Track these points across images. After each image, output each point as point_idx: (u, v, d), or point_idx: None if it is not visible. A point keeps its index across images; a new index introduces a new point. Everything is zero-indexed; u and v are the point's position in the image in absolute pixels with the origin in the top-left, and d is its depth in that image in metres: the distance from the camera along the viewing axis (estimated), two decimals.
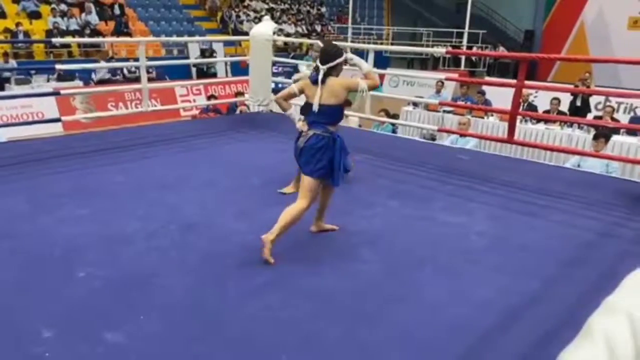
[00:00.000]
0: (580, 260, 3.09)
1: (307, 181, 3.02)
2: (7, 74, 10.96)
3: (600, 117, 8.78)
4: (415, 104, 9.53)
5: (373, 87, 3.20)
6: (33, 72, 11.36)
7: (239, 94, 9.05)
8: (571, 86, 9.07)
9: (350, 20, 19.33)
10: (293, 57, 14.75)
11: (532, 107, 9.19)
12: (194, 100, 11.61)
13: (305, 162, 3.01)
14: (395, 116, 8.22)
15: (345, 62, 3.14)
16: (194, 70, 14.07)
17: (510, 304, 2.56)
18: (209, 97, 10.17)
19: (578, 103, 9.32)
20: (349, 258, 3.03)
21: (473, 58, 18.03)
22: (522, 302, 2.58)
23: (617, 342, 0.50)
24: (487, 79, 13.94)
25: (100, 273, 2.71)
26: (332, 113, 3.07)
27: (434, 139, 7.61)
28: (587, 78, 10.04)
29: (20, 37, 12.03)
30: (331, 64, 3.02)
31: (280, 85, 10.18)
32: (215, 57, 14.00)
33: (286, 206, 3.05)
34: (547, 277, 2.84)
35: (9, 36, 12.02)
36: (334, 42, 3.39)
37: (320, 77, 3.02)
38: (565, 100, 9.45)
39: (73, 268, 2.73)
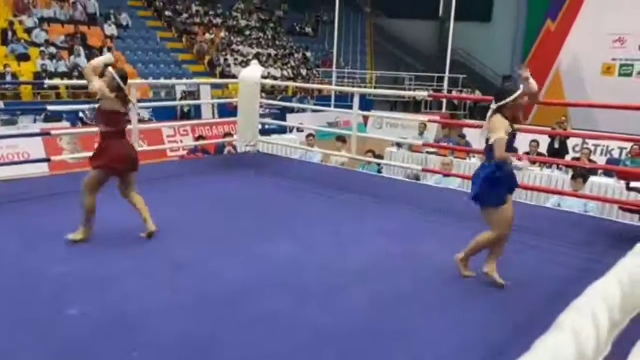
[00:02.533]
0: (559, 295, 3.17)
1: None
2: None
3: (578, 159, 9.06)
4: (399, 145, 9.75)
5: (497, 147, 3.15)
6: (19, 113, 11.40)
7: (228, 134, 9.19)
8: (549, 129, 9.39)
9: (335, 65, 19.86)
10: (280, 100, 15.07)
11: (513, 149, 9.45)
12: (181, 141, 11.70)
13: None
14: (380, 157, 8.40)
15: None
16: (178, 111, 14.26)
17: (499, 340, 2.61)
18: (198, 138, 10.28)
19: (556, 145, 9.62)
20: (338, 295, 3.07)
21: (455, 101, 18.56)
22: (506, 336, 2.64)
23: (582, 331, 0.58)
24: (468, 121, 14.35)
25: (92, 311, 2.70)
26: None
27: (418, 179, 7.76)
28: (564, 121, 10.42)
29: (8, 78, 12.12)
30: (499, 104, 3.17)
31: (267, 127, 10.38)
32: (195, 99, 14.31)
33: (276, 245, 3.11)
34: (532, 311, 2.91)
35: None
36: (507, 87, 3.43)
37: (488, 114, 3.21)
38: (544, 142, 9.76)
39: (63, 306, 2.73)
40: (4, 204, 4.41)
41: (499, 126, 3.17)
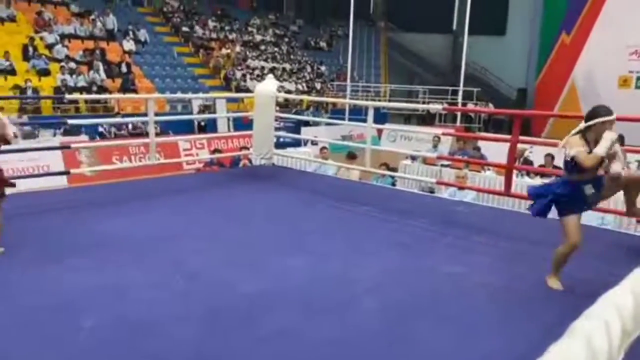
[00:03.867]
0: (577, 307, 3.13)
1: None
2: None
3: None
4: (413, 158, 9.74)
5: (580, 161, 3.23)
6: (38, 126, 11.65)
7: (244, 148, 9.28)
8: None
9: (349, 78, 19.98)
10: (295, 113, 15.19)
11: (528, 162, 9.40)
12: (197, 154, 11.83)
13: None
14: (394, 169, 8.40)
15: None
16: (195, 125, 14.43)
17: (513, 352, 2.59)
18: (213, 151, 10.39)
19: (568, 158, 9.53)
20: (352, 308, 3.07)
21: (471, 115, 18.53)
22: (525, 351, 2.61)
23: (594, 338, 0.60)
24: (483, 134, 14.29)
25: (106, 323, 2.74)
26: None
27: (432, 192, 7.74)
28: None
29: (29, 93, 12.41)
30: (586, 124, 3.24)
31: (282, 140, 10.46)
32: (211, 112, 14.50)
33: (289, 257, 3.12)
34: (551, 325, 2.88)
35: (17, 92, 12.40)
36: (597, 108, 3.38)
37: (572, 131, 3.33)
38: (560, 156, 9.67)
39: (79, 317, 2.77)
40: (25, 214, 4.50)
41: (573, 143, 3.26)
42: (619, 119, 4.98)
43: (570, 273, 3.68)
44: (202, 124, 14.35)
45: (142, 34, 17.38)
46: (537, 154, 9.98)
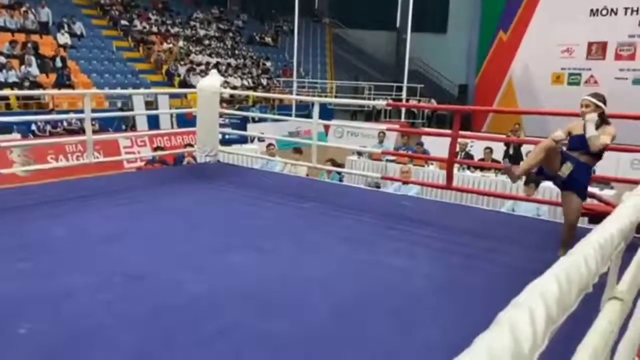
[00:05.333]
0: (514, 296, 3.26)
1: None
2: None
3: None
4: (359, 154, 9.86)
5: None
6: None
7: (189, 145, 9.08)
8: (503, 136, 9.72)
9: (295, 74, 19.95)
10: (239, 109, 15.01)
11: (469, 156, 9.73)
12: (139, 152, 11.47)
13: None
14: (341, 165, 8.47)
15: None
16: (138, 122, 13.97)
17: (459, 344, 2.67)
18: (156, 149, 10.10)
19: (511, 152, 9.96)
20: (300, 304, 3.06)
21: (415, 110, 18.95)
22: (470, 340, 2.69)
23: (519, 326, 0.61)
24: (425, 129, 14.66)
25: (43, 329, 2.60)
26: None
27: (378, 187, 7.87)
28: (518, 129, 10.81)
29: None
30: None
31: (227, 137, 10.31)
32: (153, 109, 14.08)
33: (235, 256, 3.07)
34: (490, 316, 2.98)
35: None
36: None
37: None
38: (499, 150, 10.08)
39: (13, 324, 2.61)
40: None
41: (609, 130, 3.67)
42: (554, 114, 5.19)
43: (509, 263, 3.84)
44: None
45: (78, 27, 16.63)
46: (477, 148, 10.36)
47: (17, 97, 12.65)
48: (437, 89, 22.33)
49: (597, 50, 18.75)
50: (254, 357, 2.49)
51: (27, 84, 12.98)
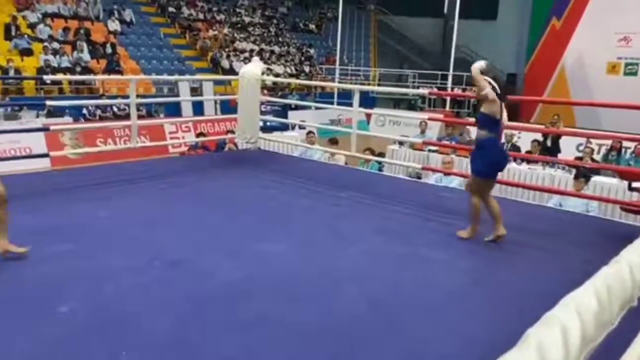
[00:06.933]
0: (559, 295, 3.12)
1: None
2: None
3: (581, 158, 8.99)
4: (401, 143, 9.70)
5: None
6: (17, 108, 11.40)
7: (230, 131, 9.18)
8: (547, 128, 9.36)
9: (338, 62, 19.79)
10: (281, 97, 15.04)
11: (516, 148, 9.40)
12: (183, 137, 11.70)
13: None
14: (382, 155, 8.35)
15: None
16: (184, 107, 14.22)
17: (496, 340, 2.58)
18: (198, 135, 10.27)
19: (549, 144, 9.57)
20: (333, 294, 3.04)
21: (461, 100, 18.49)
22: (508, 340, 2.59)
23: (549, 348, 0.55)
24: (470, 119, 14.25)
25: (83, 309, 2.68)
26: None
27: (419, 177, 7.72)
28: (557, 120, 10.36)
29: (11, 73, 12.13)
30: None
31: (268, 124, 10.35)
32: (198, 95, 14.29)
33: (271, 244, 3.07)
34: (530, 315, 2.86)
35: (0, 72, 12.13)
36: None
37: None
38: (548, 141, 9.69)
39: (55, 303, 2.71)
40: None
41: None
42: (605, 105, 4.92)
43: (551, 261, 3.68)
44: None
45: (128, 14, 17.04)
46: (524, 140, 9.99)
47: (70, 82, 13.11)
48: None
49: None
50: (287, 345, 2.48)
51: (78, 69, 13.43)
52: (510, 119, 5.25)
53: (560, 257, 3.76)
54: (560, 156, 9.12)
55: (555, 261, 3.69)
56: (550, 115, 11.26)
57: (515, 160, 8.40)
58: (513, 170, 8.27)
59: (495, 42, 21.53)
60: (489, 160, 3.85)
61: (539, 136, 9.27)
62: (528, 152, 8.82)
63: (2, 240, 3.16)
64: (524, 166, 8.35)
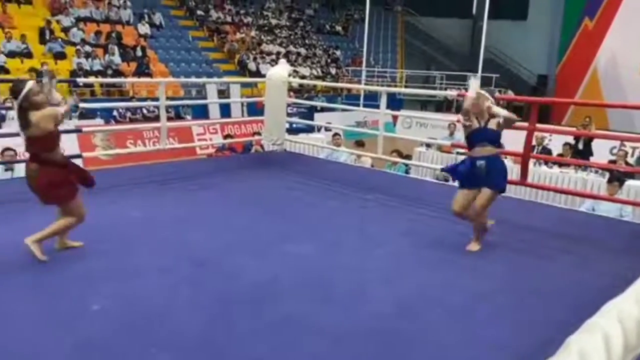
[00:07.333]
0: (592, 305, 3.04)
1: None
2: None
3: (614, 162, 8.75)
4: (428, 145, 9.61)
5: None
6: None
7: (257, 133, 9.24)
8: (581, 130, 9.14)
9: (364, 63, 19.73)
10: (307, 99, 15.07)
11: (547, 151, 9.21)
12: (210, 139, 11.82)
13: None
14: (408, 157, 8.29)
15: None
16: (211, 110, 14.39)
17: (522, 347, 2.53)
18: (226, 137, 10.37)
19: (580, 146, 9.33)
20: (360, 296, 3.02)
21: None
22: (534, 347, 2.54)
23: (591, 357, 0.53)
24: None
25: (114, 307, 2.74)
26: None
27: (447, 180, 7.62)
28: (589, 123, 10.11)
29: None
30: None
31: (294, 125, 10.38)
32: (225, 97, 14.44)
33: (298, 245, 3.08)
34: (558, 322, 2.80)
35: (34, 75, 12.46)
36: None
37: None
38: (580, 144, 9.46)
39: (88, 301, 2.77)
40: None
41: None
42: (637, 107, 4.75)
43: (584, 267, 3.58)
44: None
45: (158, 18, 17.34)
46: (555, 143, 9.78)
47: (101, 85, 13.40)
48: (514, 79, 21.30)
49: None
50: (313, 347, 2.48)
51: (110, 72, 13.72)
52: (540, 121, 5.16)
53: (592, 263, 3.67)
54: (592, 159, 8.90)
55: (586, 267, 3.59)
56: (582, 118, 10.98)
57: (546, 163, 8.24)
58: (544, 173, 8.10)
59: (526, 42, 21.15)
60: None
61: (570, 139, 9.07)
62: (560, 155, 8.63)
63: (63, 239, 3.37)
64: (556, 169, 8.18)
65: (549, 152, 9.20)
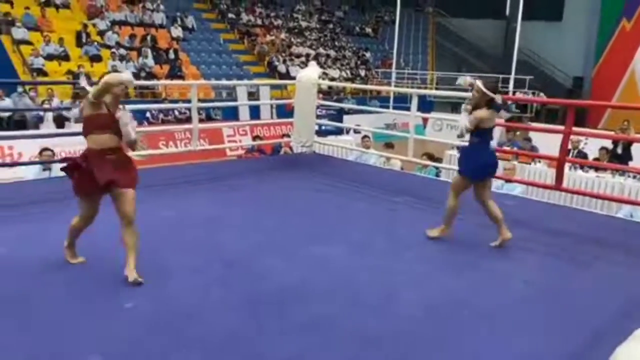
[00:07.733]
0: (629, 313, 2.94)
1: None
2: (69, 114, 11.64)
3: None
4: (459, 148, 9.47)
5: None
6: None
7: (286, 135, 9.28)
8: (618, 134, 8.86)
9: (394, 65, 19.61)
10: (336, 101, 15.07)
11: (583, 155, 8.97)
12: (240, 141, 11.94)
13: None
14: (439, 160, 8.18)
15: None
16: (241, 111, 14.53)
17: (555, 353, 2.46)
18: (255, 138, 10.45)
19: (619, 151, 9.04)
20: (390, 299, 2.99)
21: (523, 104, 17.86)
22: (569, 354, 2.47)
23: None
24: (533, 124, 13.73)
25: (146, 306, 2.78)
26: None
27: None
28: (627, 127, 9.79)
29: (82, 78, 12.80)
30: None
31: (323, 128, 10.38)
32: (255, 99, 14.56)
33: (327, 247, 3.07)
34: (595, 330, 2.71)
35: (71, 77, 12.83)
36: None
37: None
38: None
39: (121, 299, 2.82)
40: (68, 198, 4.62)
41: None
42: None
43: (620, 275, 3.46)
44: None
45: (190, 21, 17.62)
46: (591, 147, 9.52)
47: (134, 87, 13.69)
48: (548, 81, 20.83)
49: None
50: (342, 350, 2.46)
51: (143, 74, 14.01)
52: (576, 124, 5.02)
53: (629, 271, 3.54)
54: (631, 164, 8.62)
55: (623, 275, 3.47)
56: (620, 121, 10.66)
57: (582, 167, 8.03)
58: (580, 178, 7.89)
59: (561, 44, 20.67)
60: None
61: (606, 143, 8.81)
62: (596, 159, 8.40)
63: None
64: (592, 174, 7.96)
65: (585, 156, 8.96)
